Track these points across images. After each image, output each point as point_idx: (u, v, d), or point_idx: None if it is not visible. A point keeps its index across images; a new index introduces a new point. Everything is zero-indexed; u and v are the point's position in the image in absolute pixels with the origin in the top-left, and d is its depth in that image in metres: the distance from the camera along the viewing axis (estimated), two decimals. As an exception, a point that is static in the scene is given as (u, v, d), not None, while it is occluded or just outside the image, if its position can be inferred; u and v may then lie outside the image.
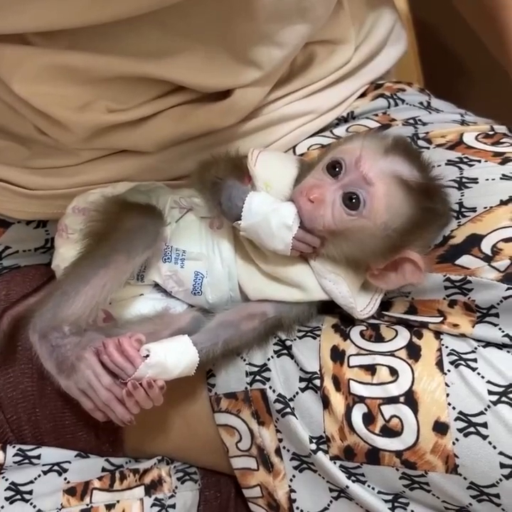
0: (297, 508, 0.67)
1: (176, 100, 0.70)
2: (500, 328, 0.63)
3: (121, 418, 0.62)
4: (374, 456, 0.63)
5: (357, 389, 0.64)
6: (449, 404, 0.62)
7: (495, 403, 0.61)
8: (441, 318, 0.65)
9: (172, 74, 0.67)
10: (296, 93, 0.78)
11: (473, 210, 0.68)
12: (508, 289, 0.62)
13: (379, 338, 0.66)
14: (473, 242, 0.66)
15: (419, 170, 0.64)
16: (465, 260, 0.65)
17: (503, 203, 0.67)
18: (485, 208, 0.67)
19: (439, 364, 0.63)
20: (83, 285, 0.63)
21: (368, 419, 0.63)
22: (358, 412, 0.64)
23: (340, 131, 0.81)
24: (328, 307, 0.69)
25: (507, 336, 0.62)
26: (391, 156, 0.63)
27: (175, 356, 0.61)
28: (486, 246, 0.65)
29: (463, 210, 0.69)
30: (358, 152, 0.63)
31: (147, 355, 0.61)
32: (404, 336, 0.66)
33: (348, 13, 0.81)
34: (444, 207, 0.67)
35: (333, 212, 0.63)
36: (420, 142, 0.77)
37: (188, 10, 0.64)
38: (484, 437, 0.60)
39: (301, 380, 0.66)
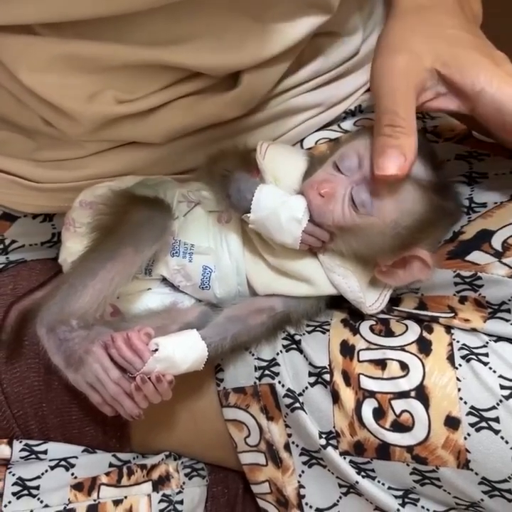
0: (306, 503, 0.67)
1: (184, 90, 0.69)
2: (511, 323, 0.62)
3: (130, 412, 0.62)
4: (384, 451, 0.63)
5: (367, 384, 0.64)
6: (461, 398, 0.61)
7: (507, 397, 0.60)
8: (453, 314, 0.65)
9: (182, 58, 0.66)
10: (303, 85, 0.77)
11: (484, 205, 0.68)
12: None
13: (389, 333, 0.66)
14: (483, 237, 0.65)
15: (431, 167, 0.63)
16: (475, 256, 0.65)
17: None
18: (495, 203, 0.67)
19: (451, 358, 0.63)
20: (91, 279, 0.62)
21: (379, 414, 0.63)
22: (368, 407, 0.63)
23: (347, 124, 0.81)
24: (337, 302, 0.68)
25: None
26: None
27: (183, 351, 0.61)
28: (496, 242, 0.64)
29: (473, 205, 0.68)
30: (365, 150, 0.63)
31: (156, 350, 0.60)
32: (414, 330, 0.65)
33: (356, 5, 0.81)
34: (455, 205, 0.66)
35: (343, 208, 0.62)
36: (429, 136, 0.76)
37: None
38: (496, 432, 0.60)
39: (310, 374, 0.66)
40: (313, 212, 0.63)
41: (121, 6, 0.60)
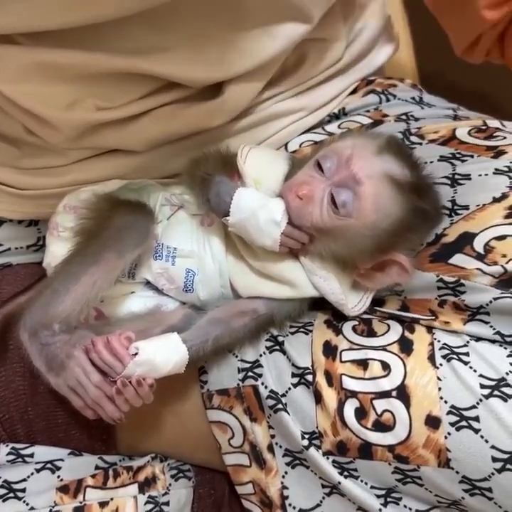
0: (290, 504, 0.67)
1: (165, 99, 0.69)
2: (491, 326, 0.63)
3: (111, 416, 0.63)
4: (366, 450, 0.63)
5: (349, 384, 0.64)
6: (441, 398, 0.62)
7: (487, 397, 0.61)
8: (433, 317, 0.65)
9: (161, 68, 0.66)
10: (287, 92, 0.78)
11: (466, 207, 0.68)
12: (502, 293, 0.62)
13: (371, 333, 0.66)
14: (465, 240, 0.65)
15: (411, 169, 0.64)
16: (458, 259, 0.65)
17: (495, 200, 0.67)
18: (477, 205, 0.67)
19: (431, 358, 0.63)
20: (73, 283, 0.63)
21: (361, 413, 0.63)
22: (350, 407, 0.64)
23: (332, 127, 0.81)
24: (321, 303, 0.69)
25: (498, 333, 0.62)
26: (383, 155, 0.63)
27: (164, 354, 0.61)
28: (478, 244, 0.65)
29: (455, 207, 0.68)
30: (349, 151, 0.63)
31: (136, 354, 0.61)
32: (396, 330, 0.66)
33: (339, 12, 0.81)
34: (435, 208, 0.66)
35: (322, 210, 0.63)
36: (413, 138, 0.76)
37: (176, 6, 0.64)
38: (476, 431, 0.60)
39: (293, 375, 0.66)
40: (291, 214, 0.63)
41: (93, 15, 0.61)
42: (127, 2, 0.60)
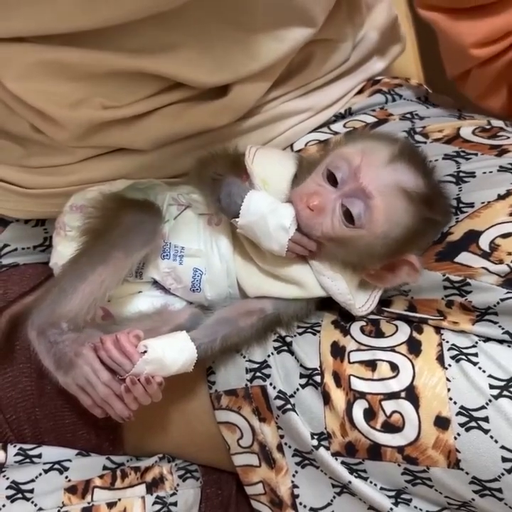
0: (300, 503, 0.67)
1: (171, 98, 0.69)
2: (499, 326, 0.63)
3: (120, 414, 0.62)
4: (375, 452, 0.63)
5: (358, 385, 0.64)
6: (450, 398, 0.61)
7: (496, 397, 0.60)
8: (442, 317, 0.65)
9: (167, 69, 0.66)
10: (293, 92, 0.78)
11: (471, 205, 0.68)
12: (508, 292, 0.62)
13: (379, 334, 0.66)
14: (471, 238, 0.65)
15: (424, 178, 0.63)
16: (464, 257, 0.65)
17: (500, 197, 0.67)
18: (482, 203, 0.67)
19: (440, 359, 0.63)
20: (81, 282, 0.63)
21: (369, 414, 0.63)
22: (358, 408, 0.63)
23: (337, 126, 0.81)
24: (328, 303, 0.69)
25: (507, 333, 0.62)
26: (395, 164, 0.62)
27: (173, 352, 0.61)
28: (483, 242, 0.64)
29: (461, 205, 0.68)
30: (358, 159, 0.62)
31: (145, 352, 0.61)
32: (404, 331, 0.66)
33: (346, 13, 0.81)
34: (444, 216, 0.67)
35: (333, 221, 0.62)
36: (417, 137, 0.77)
37: (186, 5, 0.64)
38: (486, 432, 0.60)
39: (301, 376, 0.66)
40: (301, 223, 0.63)
41: (107, 17, 0.61)
42: (146, 1, 0.60)
